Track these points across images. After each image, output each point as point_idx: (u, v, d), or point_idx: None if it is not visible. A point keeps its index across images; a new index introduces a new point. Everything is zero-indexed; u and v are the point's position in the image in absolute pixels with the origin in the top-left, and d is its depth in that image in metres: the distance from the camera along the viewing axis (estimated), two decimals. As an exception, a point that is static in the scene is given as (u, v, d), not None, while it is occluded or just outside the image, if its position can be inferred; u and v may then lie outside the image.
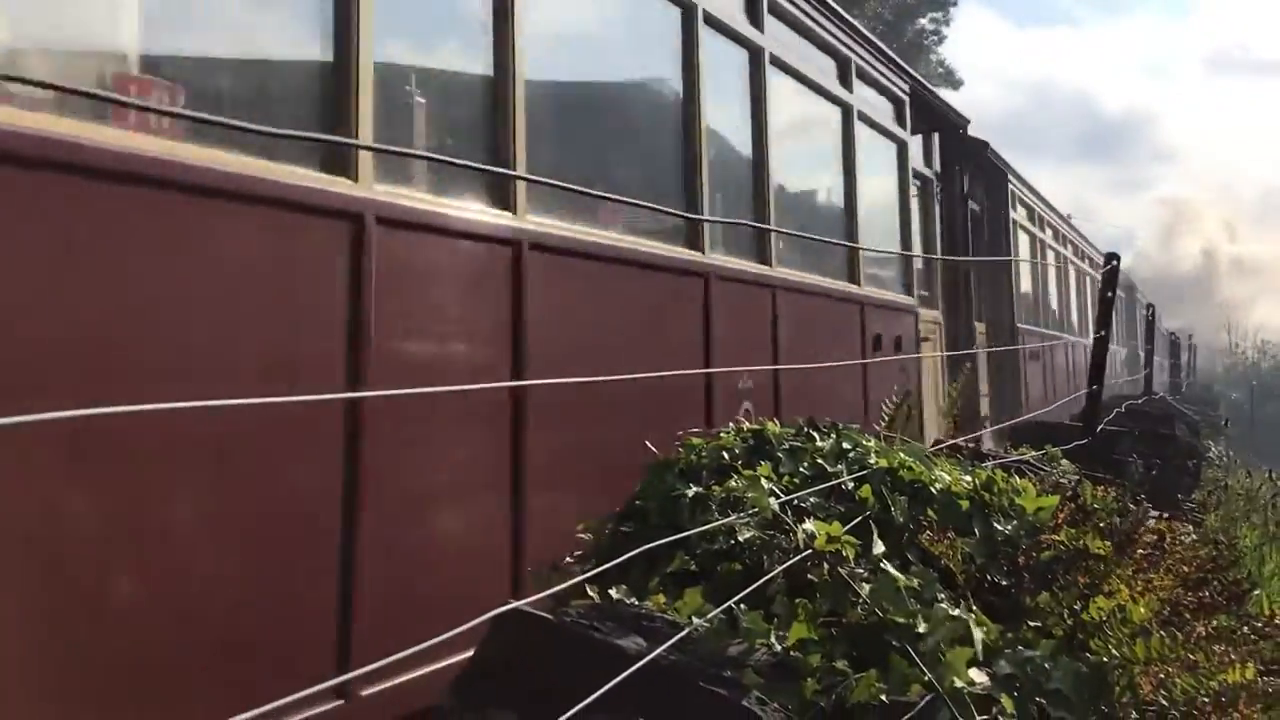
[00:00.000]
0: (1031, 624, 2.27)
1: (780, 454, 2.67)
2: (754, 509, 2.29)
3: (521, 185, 3.60)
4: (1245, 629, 2.40)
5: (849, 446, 2.77)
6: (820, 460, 2.68)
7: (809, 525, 2.20)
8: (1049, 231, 14.37)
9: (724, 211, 5.50)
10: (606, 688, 1.50)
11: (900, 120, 8.05)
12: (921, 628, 2.03)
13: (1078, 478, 3.59)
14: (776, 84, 5.91)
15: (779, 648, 1.96)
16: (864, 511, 2.46)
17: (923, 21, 36.80)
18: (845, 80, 6.91)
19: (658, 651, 1.69)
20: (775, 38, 5.89)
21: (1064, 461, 4.35)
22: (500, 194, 3.59)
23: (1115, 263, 6.57)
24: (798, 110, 6.49)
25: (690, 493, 2.43)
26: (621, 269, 4.34)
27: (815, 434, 2.82)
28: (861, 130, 7.10)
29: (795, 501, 2.41)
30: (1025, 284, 12.89)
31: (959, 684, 1.87)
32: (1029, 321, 12.61)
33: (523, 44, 3.72)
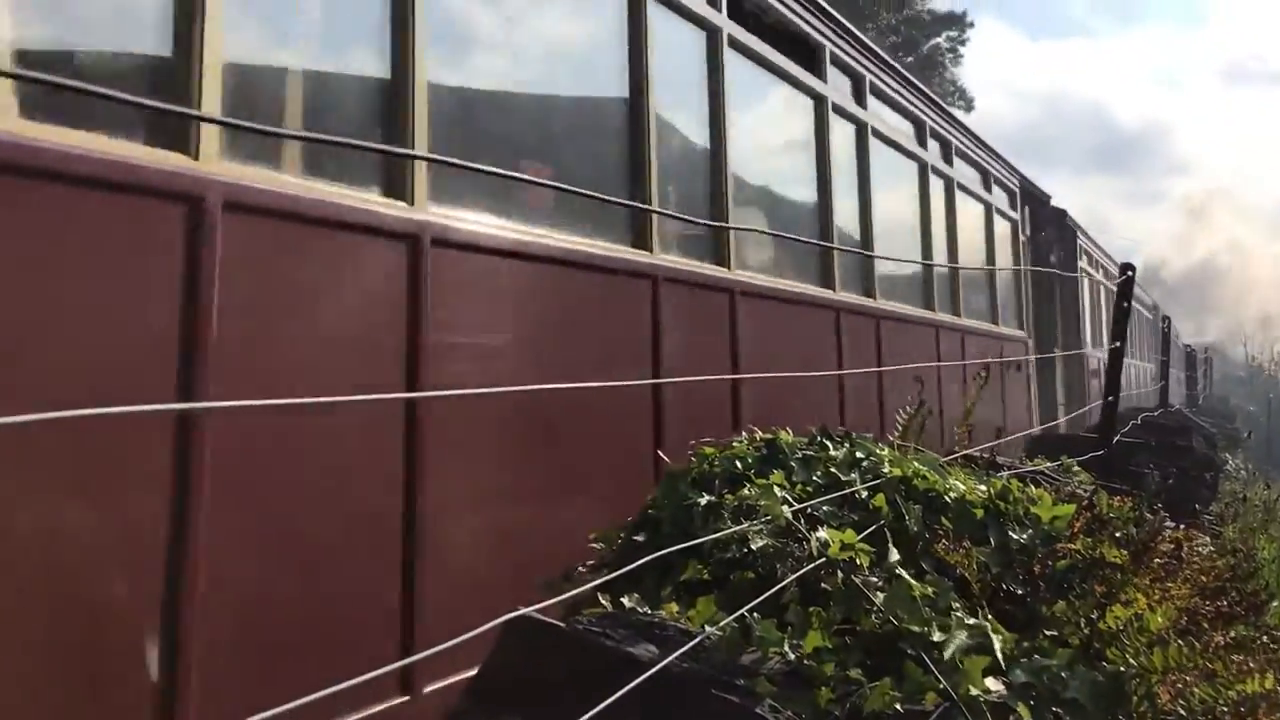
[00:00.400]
0: (1048, 633, 2.25)
1: (793, 463, 2.66)
2: (767, 517, 2.27)
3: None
4: (1264, 639, 2.37)
5: (862, 455, 2.76)
6: (834, 469, 2.67)
7: (822, 533, 2.19)
8: (1101, 271, 17.72)
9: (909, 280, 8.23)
10: (618, 695, 1.49)
11: (1014, 205, 11.35)
12: (937, 636, 2.01)
13: (1094, 487, 3.56)
14: (964, 207, 9.16)
15: (792, 656, 1.95)
16: (878, 520, 2.44)
17: (938, 40, 36.76)
18: (987, 185, 10.38)
19: (670, 659, 1.68)
20: (961, 174, 9.16)
21: (1079, 472, 4.31)
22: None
23: (1130, 274, 6.53)
24: (967, 216, 9.48)
25: (703, 501, 2.42)
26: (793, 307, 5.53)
27: (828, 443, 2.81)
28: (998, 220, 10.62)
29: (808, 510, 2.40)
30: (1087, 313, 15.99)
31: (975, 692, 1.85)
32: (1094, 344, 15.63)
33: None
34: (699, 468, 2.67)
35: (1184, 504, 5.66)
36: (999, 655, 2.03)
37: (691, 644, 1.77)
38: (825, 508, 2.45)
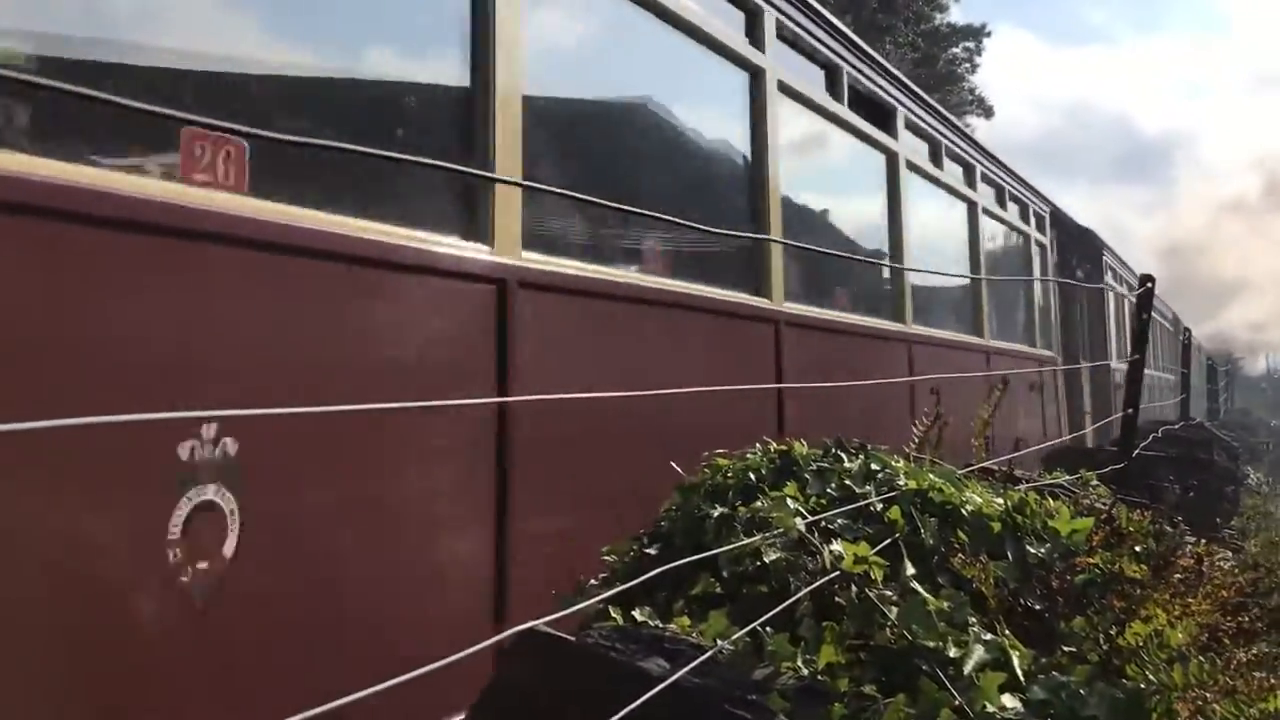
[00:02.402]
0: (1066, 649, 2.22)
1: (807, 475, 2.63)
2: (780, 530, 2.25)
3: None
4: (1287, 656, 2.33)
5: (877, 468, 2.73)
6: (848, 481, 2.64)
7: (836, 546, 2.16)
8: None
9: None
10: (628, 710, 1.47)
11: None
12: (953, 652, 1.98)
13: (1113, 501, 3.52)
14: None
15: (806, 671, 1.92)
16: (892, 533, 2.41)
17: (955, 50, 36.66)
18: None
19: (681, 673, 1.66)
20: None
21: (1099, 486, 4.26)
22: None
23: (1150, 285, 6.48)
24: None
25: (715, 513, 2.40)
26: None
27: (843, 455, 2.78)
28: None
29: (822, 523, 2.38)
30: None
31: (991, 709, 1.82)
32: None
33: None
34: (712, 479, 2.65)
35: (1205, 518, 5.60)
36: (1018, 671, 2.00)
37: (703, 658, 1.75)
38: (839, 521, 2.42)
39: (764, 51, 5.25)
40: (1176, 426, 11.49)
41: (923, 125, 7.99)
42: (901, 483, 2.64)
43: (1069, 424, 12.25)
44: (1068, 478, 4.12)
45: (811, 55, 6.02)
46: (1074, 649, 2.21)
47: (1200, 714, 1.98)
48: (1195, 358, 20.85)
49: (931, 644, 1.97)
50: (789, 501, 2.36)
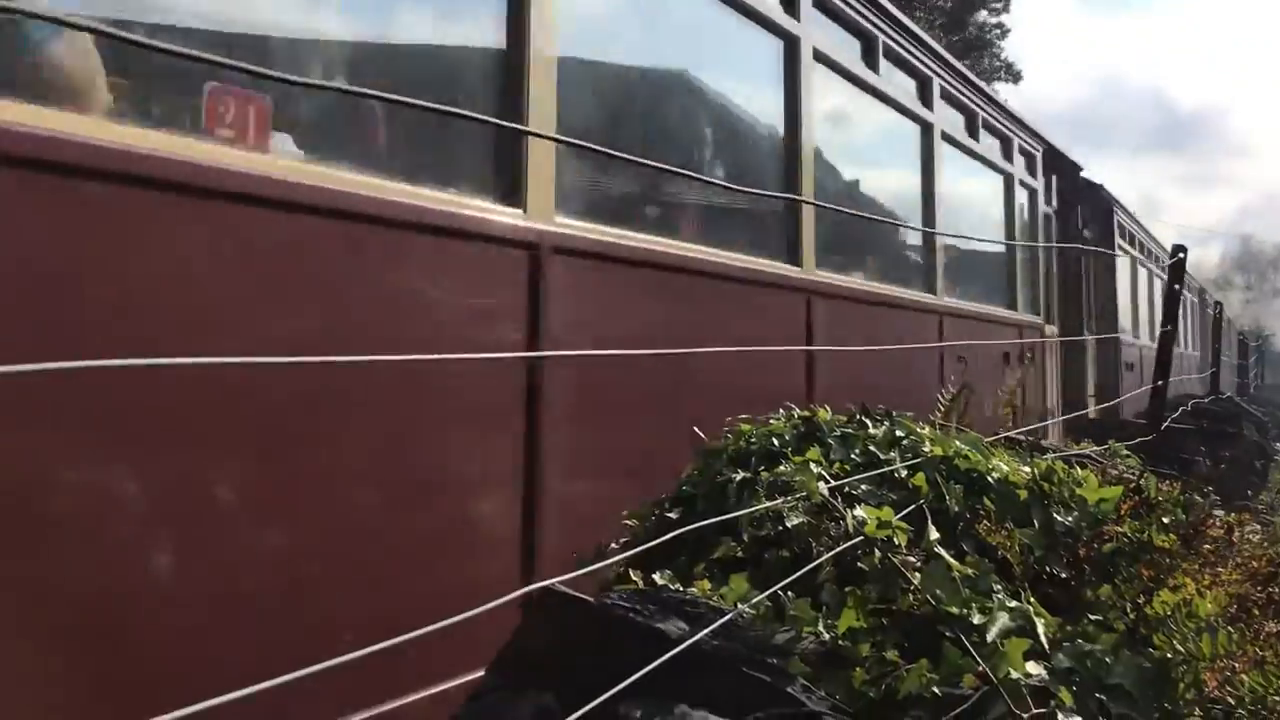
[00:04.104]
0: (1092, 617, 2.19)
1: (831, 440, 2.60)
2: (803, 494, 2.22)
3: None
4: (1318, 627, 2.29)
5: (902, 434, 2.69)
6: (872, 447, 2.61)
7: (859, 511, 2.14)
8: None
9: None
10: (646, 670, 1.46)
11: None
12: (977, 618, 1.96)
13: (1141, 470, 3.48)
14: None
15: (827, 636, 1.90)
16: (917, 500, 2.38)
17: (983, 14, 36.27)
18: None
19: (700, 635, 1.64)
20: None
21: (1128, 456, 4.22)
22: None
23: (1182, 256, 6.39)
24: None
25: (737, 478, 2.38)
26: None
27: (868, 421, 2.75)
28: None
29: (846, 488, 2.35)
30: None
31: (1015, 675, 1.80)
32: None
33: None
34: (735, 444, 2.63)
35: (1234, 491, 5.54)
36: (1042, 639, 1.97)
37: (722, 621, 1.73)
38: (863, 486, 2.39)
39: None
40: (1206, 401, 11.39)
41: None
42: (927, 449, 2.61)
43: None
44: (1096, 448, 4.07)
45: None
46: (1100, 617, 2.18)
47: (1228, 684, 1.95)
48: (1227, 332, 20.59)
49: (955, 610, 1.94)
50: (812, 466, 2.33)
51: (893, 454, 2.58)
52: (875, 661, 1.85)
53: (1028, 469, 2.68)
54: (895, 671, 1.81)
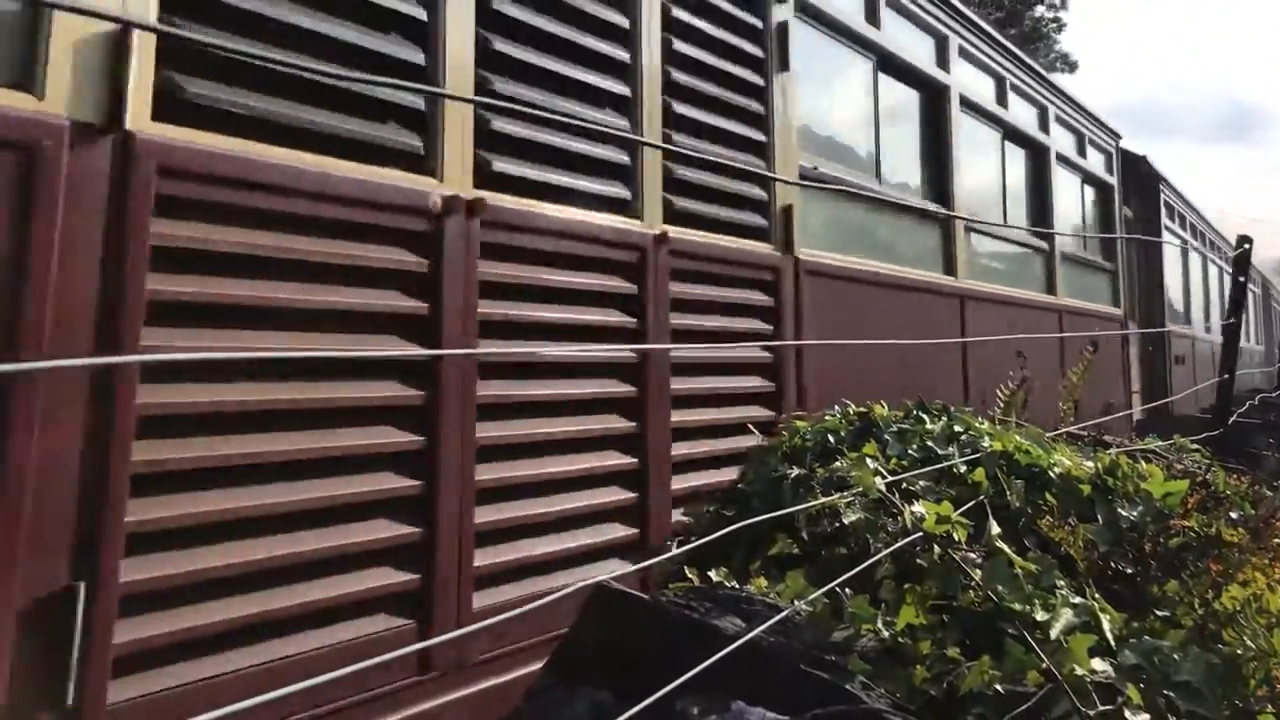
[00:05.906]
0: (1159, 614, 2.14)
1: (888, 436, 2.57)
2: (859, 490, 2.20)
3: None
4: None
5: (960, 429, 2.66)
6: (930, 443, 2.58)
7: (918, 507, 2.11)
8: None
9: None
10: (702, 666, 1.44)
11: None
12: (1040, 615, 1.92)
13: (1208, 464, 3.40)
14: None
15: (886, 634, 1.87)
16: (976, 496, 2.35)
17: (1041, 9, 35.81)
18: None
19: (755, 632, 1.62)
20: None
21: (1194, 450, 4.13)
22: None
23: (1248, 246, 6.25)
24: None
25: (793, 474, 2.36)
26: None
27: (925, 416, 2.71)
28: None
29: (903, 484, 2.32)
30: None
31: (1080, 672, 1.76)
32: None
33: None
34: (790, 441, 2.60)
35: (1305, 486, 5.39)
36: (1108, 635, 1.93)
37: (778, 618, 1.71)
38: (921, 482, 2.36)
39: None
40: (1274, 395, 11.11)
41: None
42: (986, 444, 2.57)
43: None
44: (1160, 443, 3.99)
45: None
46: (1167, 613, 2.13)
47: (1302, 681, 1.90)
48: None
49: (1018, 606, 1.91)
50: (869, 461, 2.30)
51: (951, 449, 2.54)
52: (936, 659, 1.82)
53: (1090, 464, 2.63)
54: (957, 669, 1.78)
